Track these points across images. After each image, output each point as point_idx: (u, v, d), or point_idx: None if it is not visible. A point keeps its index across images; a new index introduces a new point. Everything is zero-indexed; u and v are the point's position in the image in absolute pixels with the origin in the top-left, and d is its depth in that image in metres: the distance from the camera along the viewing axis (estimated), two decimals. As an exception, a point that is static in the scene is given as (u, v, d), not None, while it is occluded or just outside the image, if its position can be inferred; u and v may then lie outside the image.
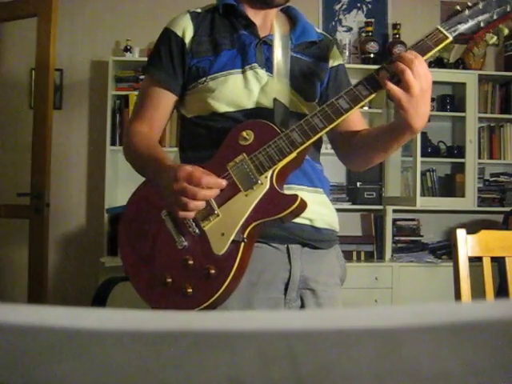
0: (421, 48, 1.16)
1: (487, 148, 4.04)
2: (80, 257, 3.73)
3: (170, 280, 1.18)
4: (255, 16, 1.36)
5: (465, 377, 0.25)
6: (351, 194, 3.94)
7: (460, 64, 3.97)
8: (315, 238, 1.27)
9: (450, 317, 0.25)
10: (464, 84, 3.88)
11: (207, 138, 1.28)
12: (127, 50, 3.71)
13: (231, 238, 1.15)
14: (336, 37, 4.02)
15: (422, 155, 3.71)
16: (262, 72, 1.28)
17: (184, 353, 0.24)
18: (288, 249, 1.25)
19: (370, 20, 4.01)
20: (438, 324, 0.25)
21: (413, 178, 3.74)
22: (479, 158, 3.94)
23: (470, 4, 1.21)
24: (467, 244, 1.37)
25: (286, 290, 1.24)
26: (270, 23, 1.37)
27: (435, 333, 0.25)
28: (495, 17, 1.21)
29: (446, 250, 3.88)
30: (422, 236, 4.02)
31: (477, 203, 3.88)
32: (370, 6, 4.14)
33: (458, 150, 3.98)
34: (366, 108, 3.78)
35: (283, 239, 1.24)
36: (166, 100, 1.33)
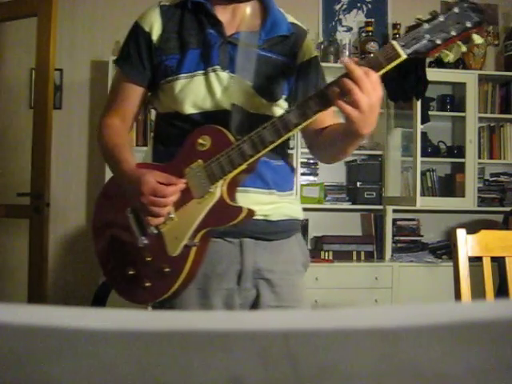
0: (372, 64, 1.12)
1: (487, 148, 4.04)
2: (80, 257, 3.73)
3: (132, 272, 1.34)
4: (224, 11, 1.37)
5: (465, 377, 0.25)
6: (351, 194, 3.94)
7: (460, 64, 3.97)
8: (269, 231, 1.35)
9: (450, 317, 0.25)
10: (464, 84, 3.87)
11: (172, 135, 1.37)
12: (127, 49, 3.71)
13: (183, 243, 1.28)
14: (336, 37, 4.02)
15: (422, 155, 3.70)
16: (223, 74, 1.32)
17: (184, 353, 0.24)
18: (241, 243, 1.34)
19: (370, 20, 4.01)
20: (438, 324, 0.25)
21: (413, 177, 3.74)
22: (479, 157, 3.94)
23: (430, 16, 1.14)
24: (467, 244, 1.37)
25: (239, 280, 1.33)
26: (240, 18, 1.38)
27: (435, 333, 0.25)
28: (453, 33, 1.12)
29: (446, 249, 3.88)
30: (422, 236, 4.02)
31: (477, 203, 3.88)
32: (370, 5, 4.14)
33: (458, 150, 3.98)
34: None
35: (236, 234, 1.33)
36: (135, 93, 1.41)
